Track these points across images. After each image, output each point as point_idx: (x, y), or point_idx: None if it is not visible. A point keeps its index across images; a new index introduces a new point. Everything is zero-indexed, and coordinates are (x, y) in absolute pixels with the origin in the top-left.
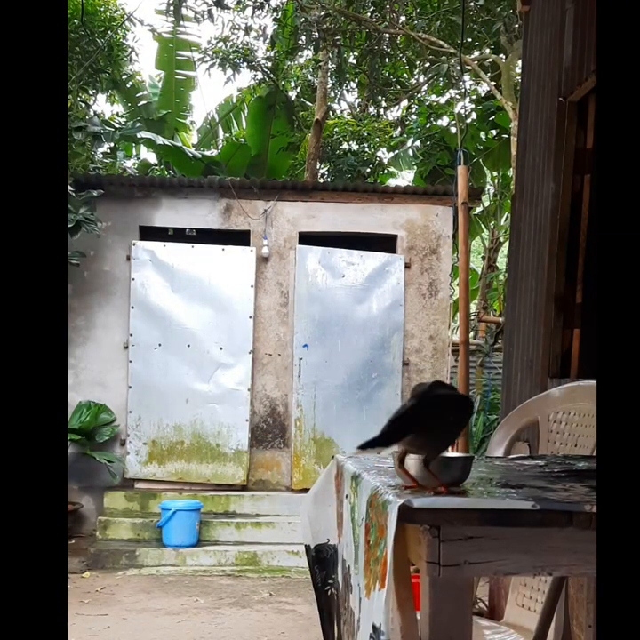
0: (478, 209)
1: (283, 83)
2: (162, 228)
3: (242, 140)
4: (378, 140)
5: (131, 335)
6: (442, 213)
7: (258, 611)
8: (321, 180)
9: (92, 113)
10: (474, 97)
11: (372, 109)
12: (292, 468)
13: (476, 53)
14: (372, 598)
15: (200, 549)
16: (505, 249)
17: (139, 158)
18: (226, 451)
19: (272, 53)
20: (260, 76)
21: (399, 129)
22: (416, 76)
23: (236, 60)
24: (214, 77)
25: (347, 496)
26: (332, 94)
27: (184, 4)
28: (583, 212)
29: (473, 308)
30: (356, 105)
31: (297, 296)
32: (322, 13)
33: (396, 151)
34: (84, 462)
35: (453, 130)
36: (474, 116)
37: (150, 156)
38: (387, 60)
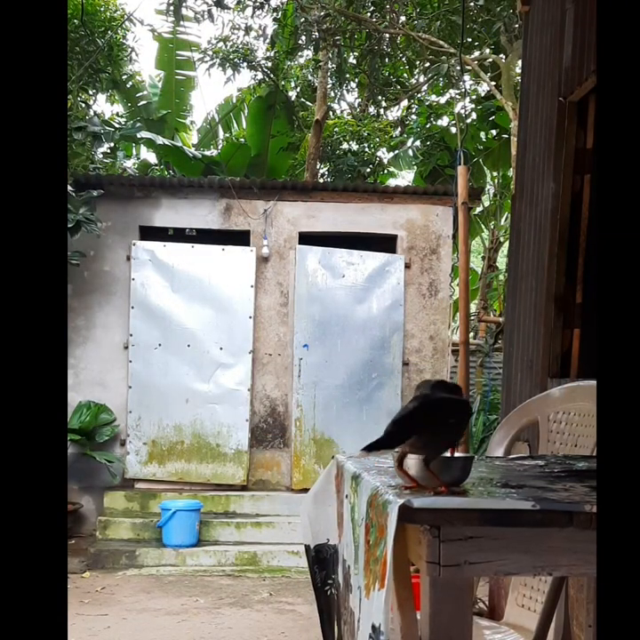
0: (478, 209)
1: (283, 83)
2: (162, 227)
3: (242, 140)
4: (378, 140)
5: (131, 335)
6: (442, 213)
7: (258, 611)
8: (321, 180)
9: (91, 113)
10: (474, 97)
11: (372, 109)
12: (292, 468)
13: (476, 53)
14: (371, 598)
15: (200, 549)
16: (505, 249)
17: (139, 158)
18: (226, 451)
19: (272, 53)
20: (259, 76)
21: (399, 129)
22: (416, 76)
23: (236, 60)
24: (214, 77)
25: (347, 496)
26: (332, 94)
27: (184, 4)
28: (583, 212)
29: (473, 308)
30: (356, 105)
31: (297, 296)
32: (322, 13)
33: (396, 151)
34: (83, 462)
35: (453, 130)
36: (474, 115)
37: (150, 156)
38: (387, 60)
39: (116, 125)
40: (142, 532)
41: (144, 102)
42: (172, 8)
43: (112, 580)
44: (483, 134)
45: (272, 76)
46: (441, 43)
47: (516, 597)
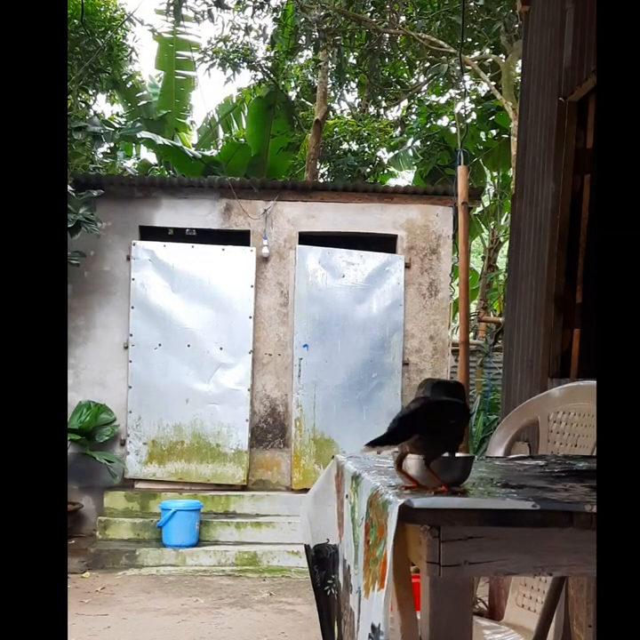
0: (478, 209)
1: (283, 83)
2: (162, 227)
3: (242, 140)
4: (378, 140)
5: (131, 335)
6: (442, 213)
7: (258, 611)
8: (321, 180)
9: (91, 113)
10: (474, 97)
11: (372, 109)
12: (292, 468)
13: (476, 53)
14: (371, 598)
15: (200, 549)
16: (505, 249)
17: (139, 158)
18: (226, 451)
19: (272, 53)
20: (259, 75)
21: (399, 129)
22: (416, 76)
23: (236, 60)
24: (214, 77)
25: (347, 496)
26: (332, 94)
27: (184, 4)
28: (583, 212)
29: (473, 308)
30: (356, 105)
31: (297, 296)
32: (322, 13)
33: (396, 151)
34: (84, 462)
35: (453, 130)
36: (474, 115)
37: (150, 156)
38: (387, 60)
39: (116, 125)
40: (142, 532)
41: (144, 102)
42: (172, 8)
43: (112, 580)
44: (483, 134)
45: (272, 75)
46: (441, 43)
47: (516, 597)
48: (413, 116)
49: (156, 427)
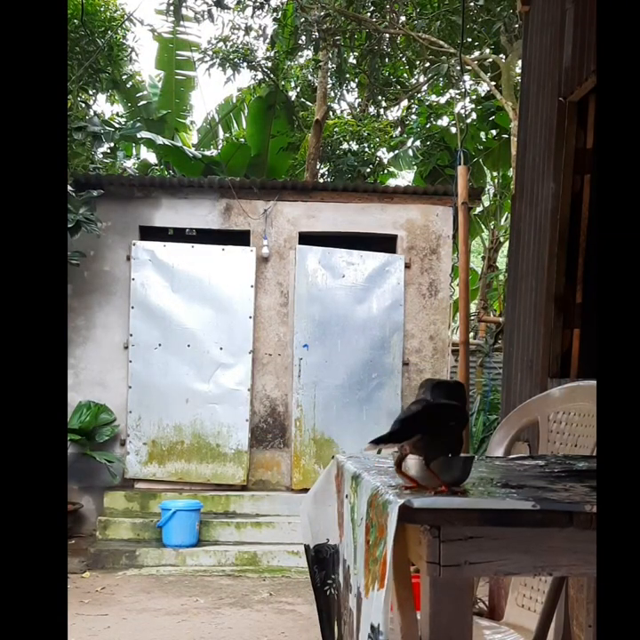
0: (478, 209)
1: (283, 83)
2: (162, 227)
3: (242, 140)
4: (378, 140)
5: (131, 335)
6: (442, 213)
7: (258, 611)
8: (321, 180)
9: (91, 113)
10: (474, 97)
11: (372, 109)
12: (292, 468)
13: (476, 53)
14: (370, 598)
15: (200, 549)
16: (505, 249)
17: (139, 158)
18: (226, 451)
19: (272, 53)
20: (260, 76)
21: (399, 129)
22: (416, 76)
23: (236, 60)
24: (214, 77)
25: (347, 496)
26: (332, 94)
27: (184, 4)
28: (583, 212)
29: (473, 308)
30: (356, 105)
31: (297, 296)
32: (322, 13)
33: (396, 151)
34: (84, 462)
35: (453, 130)
36: (474, 115)
37: (150, 156)
38: (387, 60)
39: (116, 125)
40: (142, 532)
41: (144, 102)
42: (172, 8)
43: (112, 580)
44: (483, 134)
45: (272, 75)
46: (441, 43)
47: (516, 597)
48: (413, 116)
49: (155, 427)
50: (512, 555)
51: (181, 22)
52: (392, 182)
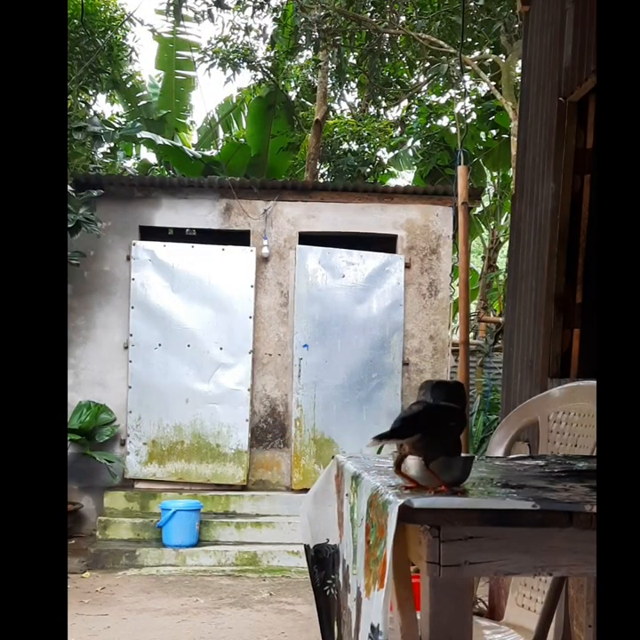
0: (478, 209)
1: (283, 83)
2: (162, 227)
3: (242, 140)
4: (378, 140)
5: (131, 335)
6: (442, 213)
7: (258, 611)
8: (321, 180)
9: (91, 113)
10: (474, 97)
11: (372, 109)
12: (292, 468)
13: (476, 53)
14: (371, 598)
15: (200, 549)
16: (505, 249)
17: (139, 158)
18: (226, 451)
19: (272, 53)
20: (260, 76)
21: (399, 129)
22: (416, 76)
23: (236, 60)
24: (214, 77)
25: (347, 495)
26: (332, 94)
27: (184, 4)
28: (583, 212)
29: (473, 308)
30: (356, 105)
31: (297, 296)
32: (322, 13)
33: (396, 151)
34: (84, 462)
35: (453, 130)
36: (474, 115)
37: (150, 156)
38: (387, 60)
39: (116, 125)
40: (142, 532)
41: (144, 102)
42: (172, 8)
43: (112, 580)
44: (483, 134)
45: (272, 75)
46: (441, 43)
47: (516, 597)
48: (413, 116)
49: (155, 427)
50: (512, 555)
51: (181, 22)
52: (392, 182)
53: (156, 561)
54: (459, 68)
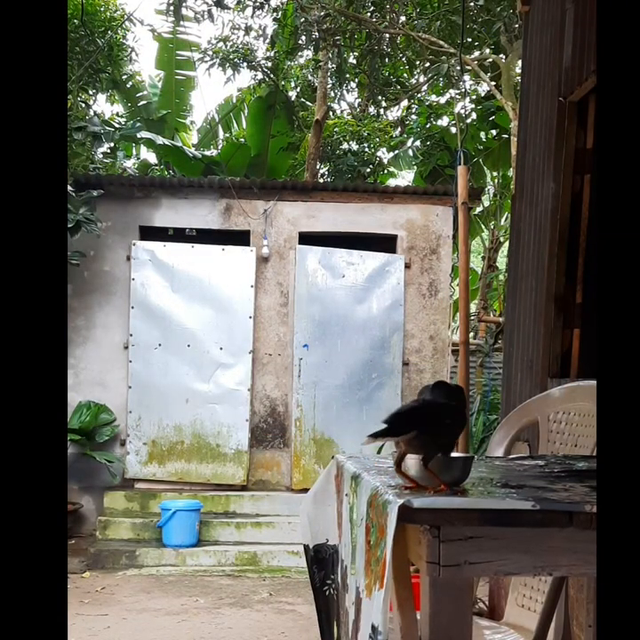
0: (478, 209)
1: (283, 83)
2: (162, 228)
3: (242, 140)
4: (378, 140)
5: (131, 335)
6: (442, 213)
7: (258, 611)
8: (321, 180)
9: (91, 113)
10: (474, 97)
11: (372, 109)
12: (292, 468)
13: (476, 53)
14: (372, 598)
15: (200, 549)
16: (505, 249)
17: (139, 158)
18: (226, 451)
19: (272, 53)
20: (260, 76)
21: (399, 129)
22: (416, 76)
23: (236, 60)
24: (214, 77)
25: (346, 495)
26: (332, 94)
27: (184, 4)
28: (583, 212)
29: (473, 308)
30: (356, 105)
31: (297, 296)
32: (322, 13)
33: (396, 151)
34: (84, 462)
35: (453, 130)
36: (474, 115)
37: (150, 156)
38: (387, 60)
39: (116, 125)
40: (142, 532)
41: (144, 102)
42: (172, 8)
43: (112, 580)
44: (483, 134)
45: (272, 75)
46: (441, 43)
47: (516, 597)
48: (413, 116)
49: (155, 427)
50: (512, 555)
51: (181, 22)
52: (392, 182)
53: (156, 561)
54: (459, 67)
